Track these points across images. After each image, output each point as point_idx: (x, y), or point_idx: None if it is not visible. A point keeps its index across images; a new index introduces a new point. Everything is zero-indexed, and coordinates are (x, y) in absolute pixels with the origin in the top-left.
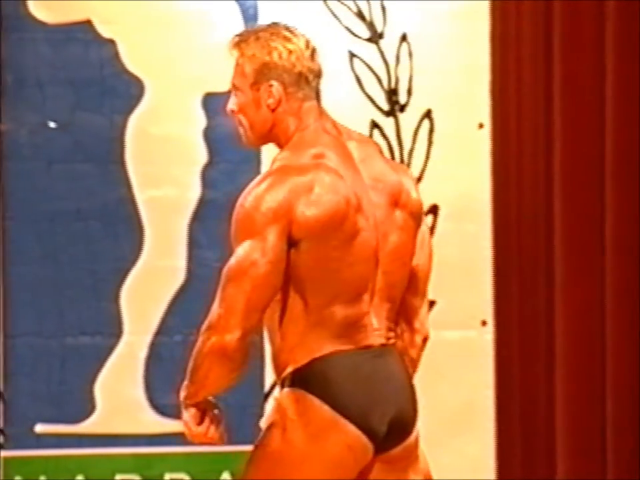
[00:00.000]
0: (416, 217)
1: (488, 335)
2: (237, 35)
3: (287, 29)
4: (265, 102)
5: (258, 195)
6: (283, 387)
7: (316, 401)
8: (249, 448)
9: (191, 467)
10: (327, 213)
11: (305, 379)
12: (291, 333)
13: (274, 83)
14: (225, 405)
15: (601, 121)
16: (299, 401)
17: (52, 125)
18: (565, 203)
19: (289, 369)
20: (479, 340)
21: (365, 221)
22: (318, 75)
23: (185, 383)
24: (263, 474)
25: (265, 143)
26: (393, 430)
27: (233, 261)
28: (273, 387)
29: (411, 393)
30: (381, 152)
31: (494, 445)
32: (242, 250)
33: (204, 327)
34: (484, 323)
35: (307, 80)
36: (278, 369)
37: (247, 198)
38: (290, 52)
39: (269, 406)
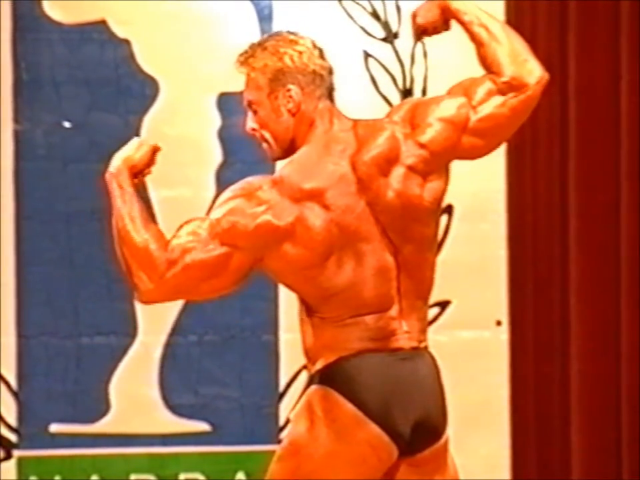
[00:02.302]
0: (420, 215)
1: (503, 335)
2: (241, 54)
3: (290, 33)
4: (285, 108)
5: (255, 212)
6: (312, 383)
7: (341, 399)
8: (263, 448)
9: (206, 466)
10: (299, 263)
11: (331, 377)
12: (319, 334)
13: (291, 86)
14: (240, 406)
15: (616, 120)
16: (325, 398)
17: (67, 125)
18: (580, 201)
19: (318, 366)
20: (493, 340)
21: (367, 244)
22: (330, 72)
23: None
24: (289, 468)
25: (290, 153)
26: (419, 433)
27: (211, 246)
28: (287, 388)
29: (440, 397)
30: (394, 125)
31: (509, 445)
32: (220, 246)
33: (159, 256)
34: (499, 323)
35: (321, 77)
36: (309, 365)
37: (252, 198)
38: (300, 53)
39: (283, 405)
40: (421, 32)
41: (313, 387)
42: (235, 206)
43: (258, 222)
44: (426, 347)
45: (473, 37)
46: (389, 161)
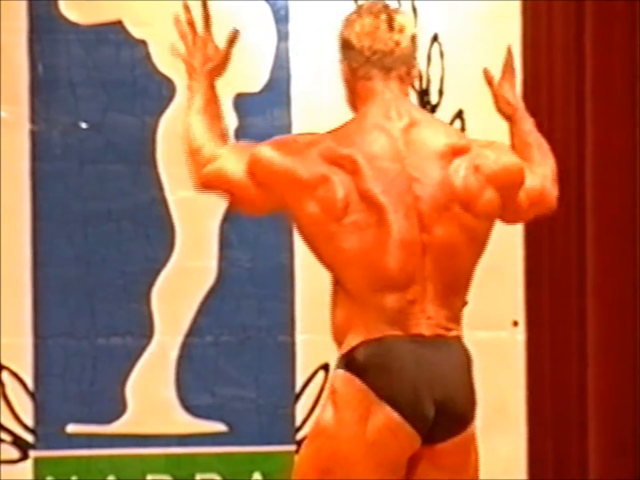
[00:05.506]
0: (469, 207)
1: (519, 336)
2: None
3: (372, 6)
4: (343, 76)
5: (298, 148)
6: (337, 367)
7: (361, 384)
8: (280, 448)
9: (222, 467)
10: (314, 217)
11: (351, 362)
12: (344, 317)
13: (344, 60)
14: (256, 406)
15: (633, 122)
16: (347, 382)
17: (83, 125)
18: (598, 202)
19: (343, 350)
20: (510, 340)
21: (394, 214)
22: (388, 53)
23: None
24: (314, 448)
25: (356, 111)
26: (442, 417)
27: (242, 169)
28: (303, 388)
29: (468, 387)
30: (448, 132)
31: (525, 445)
32: (248, 174)
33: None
34: (515, 324)
35: (377, 57)
36: (337, 348)
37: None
38: (362, 28)
39: (299, 405)
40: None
41: (337, 372)
42: (282, 151)
43: (284, 168)
44: (456, 337)
45: (525, 145)
46: (454, 151)
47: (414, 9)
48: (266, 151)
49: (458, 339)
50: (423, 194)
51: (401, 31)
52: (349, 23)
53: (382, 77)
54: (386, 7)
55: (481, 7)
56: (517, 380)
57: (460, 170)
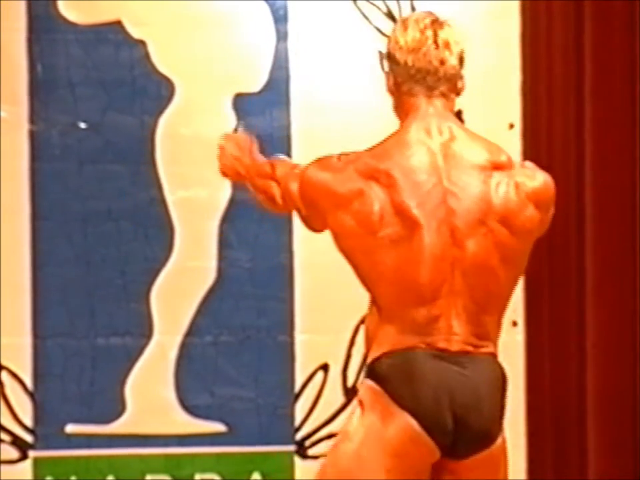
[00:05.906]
0: (507, 223)
1: (519, 336)
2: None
3: (420, 19)
4: (388, 88)
5: (337, 166)
6: (364, 377)
7: (382, 393)
8: (279, 448)
9: (221, 467)
10: (353, 222)
11: (374, 371)
12: (373, 327)
13: (389, 72)
14: (256, 406)
15: (632, 120)
16: (371, 391)
17: (82, 125)
18: (597, 202)
19: (368, 360)
20: (509, 341)
21: (427, 227)
22: (432, 72)
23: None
24: (338, 451)
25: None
26: (462, 435)
27: (313, 169)
28: (303, 388)
29: (494, 405)
30: (491, 150)
31: (525, 445)
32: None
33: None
34: (514, 324)
35: (421, 75)
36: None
37: (338, 159)
38: (406, 43)
39: (299, 405)
40: None
41: (363, 381)
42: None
43: (322, 184)
44: (487, 354)
45: None
46: (494, 167)
47: (413, 9)
48: (309, 171)
49: (489, 355)
50: (457, 207)
51: (447, 46)
52: (394, 35)
53: (425, 93)
54: (433, 22)
55: (480, 7)
56: (517, 380)
57: (501, 186)
